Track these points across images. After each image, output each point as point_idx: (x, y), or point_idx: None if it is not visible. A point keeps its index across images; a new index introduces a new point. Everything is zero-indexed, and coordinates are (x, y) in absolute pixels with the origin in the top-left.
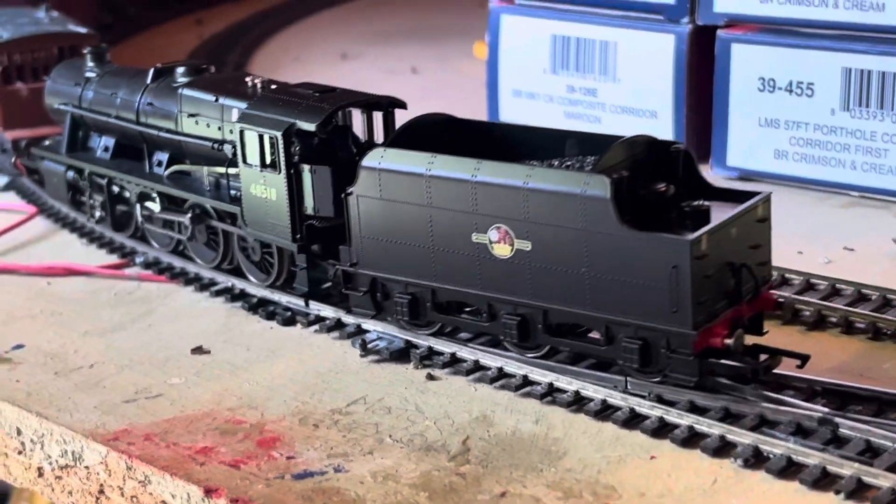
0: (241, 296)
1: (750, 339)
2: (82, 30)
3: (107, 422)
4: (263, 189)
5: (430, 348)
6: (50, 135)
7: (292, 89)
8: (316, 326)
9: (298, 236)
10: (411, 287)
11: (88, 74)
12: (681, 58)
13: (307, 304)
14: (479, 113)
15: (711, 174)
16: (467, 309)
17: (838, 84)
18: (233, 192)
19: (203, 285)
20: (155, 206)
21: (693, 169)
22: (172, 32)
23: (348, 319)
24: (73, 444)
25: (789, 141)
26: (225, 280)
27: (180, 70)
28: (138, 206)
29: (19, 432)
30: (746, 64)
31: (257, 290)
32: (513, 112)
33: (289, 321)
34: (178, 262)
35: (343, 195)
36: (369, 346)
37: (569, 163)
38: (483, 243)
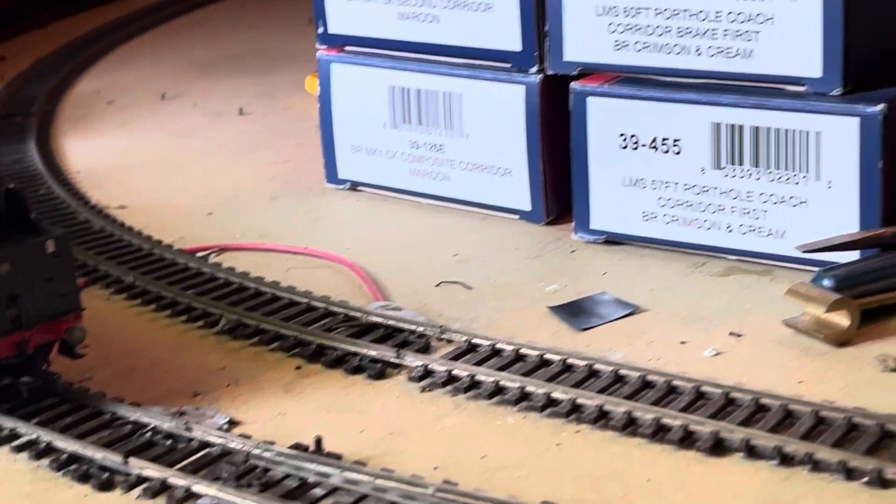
0: (46, 451)
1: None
2: None
3: None
4: None
5: None
6: None
7: None
8: (138, 491)
9: None
10: None
11: None
12: (532, 110)
13: (126, 461)
14: (316, 169)
15: (575, 238)
16: None
17: (708, 140)
18: None
19: None
20: None
21: (21, 207)
22: None
23: (176, 481)
24: None
25: (657, 202)
26: (28, 431)
27: None
28: None
29: None
30: (605, 119)
31: (66, 444)
32: (352, 169)
33: (105, 485)
34: None
35: None
36: None
37: None
38: None
